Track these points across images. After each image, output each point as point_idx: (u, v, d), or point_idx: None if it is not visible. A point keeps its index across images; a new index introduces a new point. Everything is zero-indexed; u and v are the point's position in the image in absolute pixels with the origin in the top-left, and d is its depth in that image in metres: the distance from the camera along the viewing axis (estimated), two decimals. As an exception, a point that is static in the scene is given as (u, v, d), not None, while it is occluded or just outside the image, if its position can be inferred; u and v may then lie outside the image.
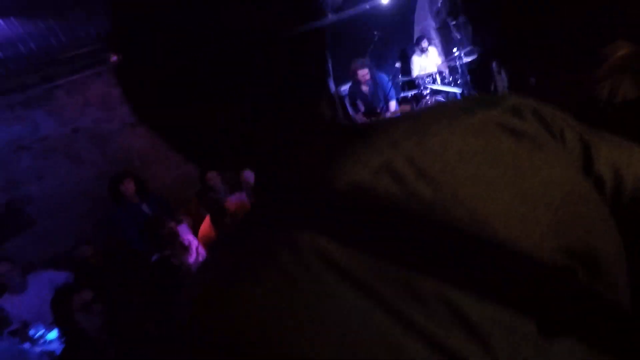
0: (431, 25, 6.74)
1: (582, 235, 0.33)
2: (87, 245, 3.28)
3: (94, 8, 2.19)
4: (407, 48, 6.82)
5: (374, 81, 5.03)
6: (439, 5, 6.39)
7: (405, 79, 6.11)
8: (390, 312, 0.30)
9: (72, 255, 3.27)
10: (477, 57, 5.84)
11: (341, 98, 6.08)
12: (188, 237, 3.61)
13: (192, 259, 3.45)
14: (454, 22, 5.89)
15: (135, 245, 3.52)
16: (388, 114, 5.05)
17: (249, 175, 4.79)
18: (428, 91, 5.84)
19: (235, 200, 4.08)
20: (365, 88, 5.09)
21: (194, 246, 3.55)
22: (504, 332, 0.30)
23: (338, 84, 6.01)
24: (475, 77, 5.91)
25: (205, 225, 3.58)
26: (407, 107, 5.23)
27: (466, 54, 5.59)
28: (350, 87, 5.35)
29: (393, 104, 5.06)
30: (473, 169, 0.32)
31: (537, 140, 0.34)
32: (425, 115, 0.41)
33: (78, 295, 2.43)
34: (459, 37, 5.89)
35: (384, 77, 5.12)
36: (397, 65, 6.27)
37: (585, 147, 0.36)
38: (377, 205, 0.33)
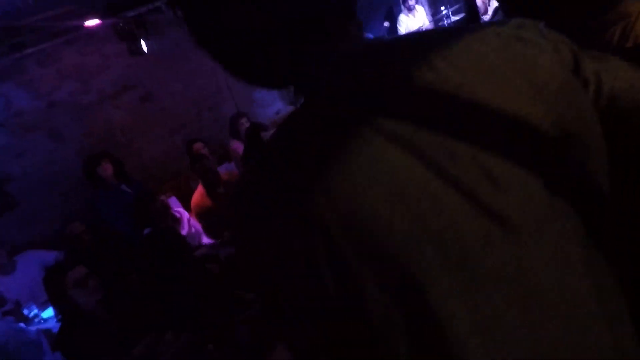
0: (417, -18, 6.49)
1: (575, 119, 0.41)
2: (78, 222, 3.19)
3: None
4: (393, 7, 6.60)
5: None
6: (425, -40, 6.14)
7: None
8: (431, 167, 0.39)
9: (63, 233, 3.18)
10: (466, 15, 5.70)
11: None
12: (179, 209, 3.56)
13: (184, 230, 3.41)
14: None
15: (119, 227, 3.43)
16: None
17: (237, 146, 4.68)
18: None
19: (224, 171, 4.01)
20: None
21: (185, 218, 3.50)
22: (519, 185, 0.39)
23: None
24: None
25: (198, 195, 3.51)
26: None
27: (454, 12, 5.45)
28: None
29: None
30: (491, 61, 0.41)
31: (539, 46, 0.42)
32: (448, 31, 0.51)
33: (72, 272, 2.38)
34: (446, -7, 5.70)
35: (371, 37, 4.96)
36: (386, 24, 6.09)
37: (575, 56, 0.44)
38: (417, 88, 0.41)
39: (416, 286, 0.39)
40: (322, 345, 0.45)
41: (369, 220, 0.40)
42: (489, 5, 4.69)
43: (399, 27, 6.13)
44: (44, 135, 3.62)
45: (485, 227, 0.39)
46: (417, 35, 0.50)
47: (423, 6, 6.24)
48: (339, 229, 0.40)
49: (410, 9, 5.96)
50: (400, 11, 6.30)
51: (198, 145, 4.22)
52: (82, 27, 3.22)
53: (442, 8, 5.43)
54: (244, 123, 4.50)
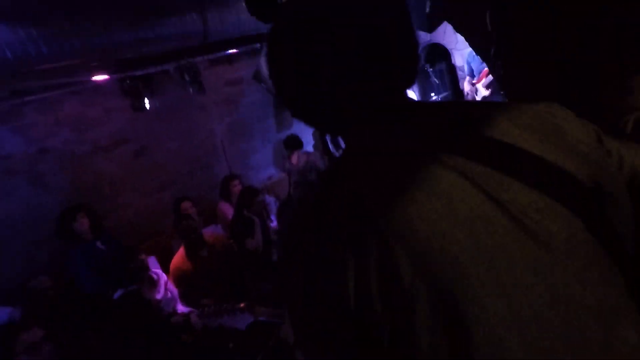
0: (409, 70, 7.03)
1: (605, 176, 0.49)
2: (46, 277, 2.94)
3: (82, 19, 2.08)
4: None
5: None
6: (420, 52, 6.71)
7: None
8: (483, 191, 0.46)
9: (26, 287, 2.91)
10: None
11: (323, 135, 6.13)
12: (157, 270, 3.34)
13: (160, 295, 3.16)
14: (431, 69, 6.19)
15: (89, 288, 3.17)
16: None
17: (225, 208, 4.59)
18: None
19: (210, 232, 3.87)
20: (347, 125, 5.16)
21: (163, 281, 3.27)
22: (560, 219, 0.46)
23: (319, 120, 6.07)
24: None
25: (179, 256, 3.33)
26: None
27: (443, 99, 5.84)
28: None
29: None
30: (529, 122, 0.51)
31: (567, 118, 0.52)
32: (494, 107, 0.57)
33: (26, 334, 2.13)
34: (437, 82, 6.15)
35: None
36: None
37: (597, 131, 0.53)
38: (475, 134, 0.51)
39: (466, 299, 0.42)
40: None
41: (425, 234, 0.44)
42: (476, 95, 5.05)
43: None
44: (26, 181, 3.49)
45: (533, 251, 0.44)
46: (463, 102, 0.69)
47: (414, 92, 6.69)
48: (396, 241, 0.44)
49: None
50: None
51: (186, 205, 4.12)
52: (89, 80, 3.29)
53: (432, 94, 5.82)
54: (236, 185, 4.48)
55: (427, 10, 3.01)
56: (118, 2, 2.30)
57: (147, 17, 2.33)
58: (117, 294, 2.85)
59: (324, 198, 0.52)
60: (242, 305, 2.05)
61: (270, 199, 4.66)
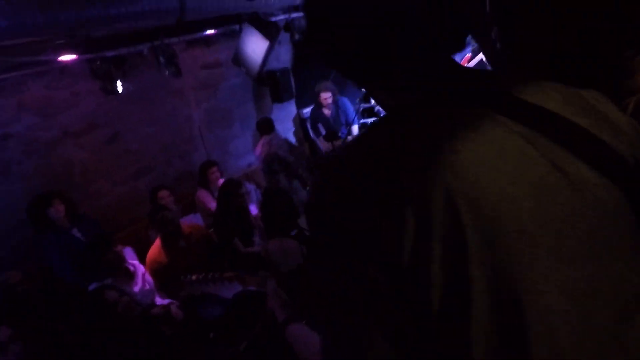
0: (391, 56, 6.99)
1: None
2: (14, 271, 2.76)
3: None
4: (367, 76, 7.00)
5: (336, 105, 5.02)
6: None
7: (366, 106, 6.21)
8: (549, 160, 0.45)
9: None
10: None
11: (303, 120, 6.02)
12: (133, 262, 3.21)
13: (137, 287, 3.04)
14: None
15: (66, 276, 3.03)
16: (350, 139, 5.04)
17: (204, 196, 4.46)
18: (388, 119, 5.98)
19: (189, 222, 3.75)
20: (327, 111, 5.06)
21: (140, 273, 3.15)
22: (609, 191, 0.47)
23: (301, 106, 5.95)
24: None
25: (155, 248, 3.21)
26: (370, 133, 5.25)
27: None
28: (312, 110, 5.30)
29: (356, 129, 5.06)
30: (588, 116, 0.51)
31: (608, 106, 0.54)
32: (543, 83, 0.56)
33: (-8, 333, 2.00)
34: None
35: (347, 102, 5.14)
36: (363, 90, 6.38)
37: (632, 122, 0.55)
38: (531, 101, 0.50)
39: (531, 270, 0.41)
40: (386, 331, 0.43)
41: (495, 197, 0.42)
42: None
43: (372, 94, 6.46)
44: (-12, 169, 3.26)
45: (594, 221, 0.44)
46: (508, 73, 0.65)
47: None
48: (464, 202, 0.41)
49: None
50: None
51: (163, 193, 3.97)
52: (55, 60, 3.06)
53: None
54: (214, 172, 4.35)
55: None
56: (85, -26, 2.11)
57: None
58: (92, 286, 2.72)
59: (372, 152, 0.47)
60: (230, 274, 1.98)
61: (250, 187, 4.54)
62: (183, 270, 3.14)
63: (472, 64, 4.82)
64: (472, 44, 4.90)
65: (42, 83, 3.38)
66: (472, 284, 0.39)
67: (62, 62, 3.07)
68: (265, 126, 4.70)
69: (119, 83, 3.37)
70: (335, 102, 4.99)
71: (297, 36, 4.94)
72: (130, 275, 3.00)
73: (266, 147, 4.63)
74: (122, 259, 2.94)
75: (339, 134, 5.09)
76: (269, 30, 3.91)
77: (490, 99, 0.50)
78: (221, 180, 4.55)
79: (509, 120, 0.46)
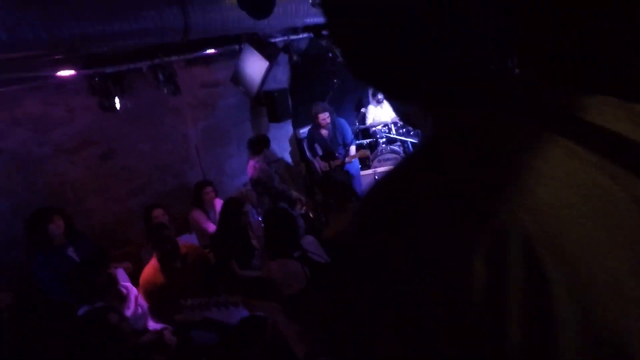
0: (386, 79, 7.09)
1: None
2: (4, 294, 2.62)
3: (50, 5, 1.86)
4: (362, 98, 7.07)
5: (334, 125, 5.03)
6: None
7: (362, 127, 6.26)
8: (618, 183, 0.41)
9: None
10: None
11: (299, 141, 6.02)
12: (126, 284, 3.08)
13: (129, 311, 2.90)
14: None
15: (55, 297, 2.89)
16: (347, 159, 5.03)
17: (198, 216, 4.35)
18: (384, 140, 6.02)
19: (182, 243, 3.64)
20: (324, 132, 5.07)
21: (133, 295, 3.01)
22: None
23: (297, 126, 5.96)
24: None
25: (150, 268, 3.09)
26: (366, 152, 5.26)
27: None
28: (309, 130, 5.30)
29: (353, 149, 5.07)
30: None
31: None
32: (600, 99, 0.51)
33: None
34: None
35: (344, 123, 5.16)
36: (363, 110, 6.44)
37: None
38: (588, 122, 0.45)
39: (624, 319, 0.36)
40: None
41: (580, 245, 0.38)
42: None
43: (367, 115, 6.52)
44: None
45: None
46: (559, 91, 0.55)
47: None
48: (544, 247, 0.36)
49: (379, 101, 6.42)
50: (368, 102, 6.76)
51: (158, 212, 3.87)
52: (53, 75, 3.02)
53: (410, 103, 5.86)
54: (209, 192, 4.27)
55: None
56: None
57: (123, 7, 2.14)
58: (82, 310, 2.58)
59: (425, 188, 0.42)
60: (237, 298, 1.88)
61: (247, 207, 4.47)
62: (179, 292, 3.04)
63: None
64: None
65: (37, 98, 3.32)
66: (559, 347, 0.35)
67: (59, 77, 3.02)
68: (255, 146, 4.52)
69: (117, 100, 3.32)
70: (332, 122, 5.00)
71: (295, 57, 5.00)
72: (123, 298, 2.87)
73: (254, 168, 4.52)
74: (115, 281, 2.82)
75: (336, 155, 5.09)
76: (268, 51, 3.94)
77: (550, 118, 0.45)
78: (217, 200, 4.47)
79: (579, 146, 0.41)
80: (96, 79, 3.25)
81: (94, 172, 3.84)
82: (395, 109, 0.60)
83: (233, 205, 3.41)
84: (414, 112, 0.55)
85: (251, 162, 4.50)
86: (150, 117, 4.26)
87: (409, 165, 0.48)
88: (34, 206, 3.16)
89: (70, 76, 3.00)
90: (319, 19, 3.95)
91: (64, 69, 2.94)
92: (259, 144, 4.36)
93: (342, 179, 2.97)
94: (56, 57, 2.68)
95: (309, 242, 2.55)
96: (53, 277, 2.91)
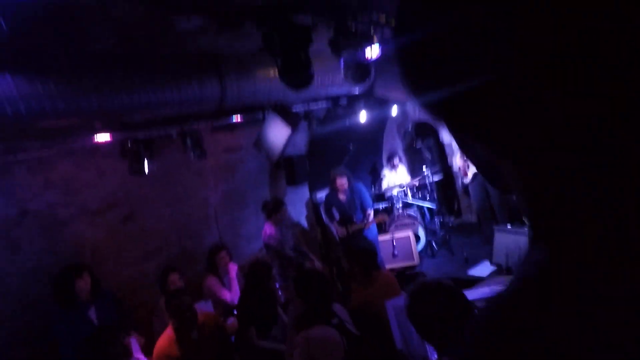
0: (399, 145, 7.29)
1: None
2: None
3: (106, 79, 1.99)
4: (377, 162, 7.21)
5: (352, 190, 5.06)
6: (408, 128, 7.03)
7: (378, 192, 6.30)
8: None
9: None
10: (443, 177, 6.28)
11: (315, 205, 6.03)
12: (139, 356, 2.90)
13: (141, 385, 2.70)
14: (419, 146, 6.43)
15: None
16: (366, 224, 4.98)
17: (212, 283, 4.19)
18: (400, 204, 6.01)
19: (199, 310, 3.48)
20: (342, 196, 5.08)
21: (146, 368, 2.82)
22: None
23: (313, 190, 6.01)
24: (441, 194, 6.25)
25: (165, 339, 2.92)
26: (384, 217, 5.22)
27: (433, 173, 5.99)
28: (327, 195, 5.33)
29: (371, 213, 5.04)
30: None
31: None
32: None
33: None
34: (429, 157, 6.34)
35: (362, 187, 5.19)
36: (383, 175, 6.52)
37: None
38: None
39: None
40: None
41: None
42: (468, 169, 5.19)
43: (382, 179, 6.59)
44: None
45: None
46: None
47: (404, 165, 6.87)
48: None
49: (394, 166, 6.53)
50: (382, 167, 6.88)
51: (174, 277, 3.77)
52: (88, 140, 3.14)
53: (424, 167, 5.95)
54: (224, 257, 4.17)
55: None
56: (136, 61, 2.26)
57: (166, 79, 2.29)
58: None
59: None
60: None
61: (274, 271, 4.36)
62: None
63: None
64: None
65: (71, 161, 3.43)
66: None
67: (94, 142, 3.14)
68: (268, 210, 4.43)
69: (145, 163, 3.41)
70: (351, 187, 5.04)
71: (314, 125, 5.20)
72: (135, 371, 2.69)
73: (265, 233, 4.43)
74: (129, 353, 2.67)
75: (354, 219, 5.06)
76: (291, 118, 4.11)
77: None
78: (231, 265, 4.36)
79: None
80: (129, 144, 3.37)
81: (113, 234, 3.83)
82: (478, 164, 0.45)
83: (262, 269, 3.31)
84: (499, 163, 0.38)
85: (265, 226, 4.47)
86: (173, 180, 4.34)
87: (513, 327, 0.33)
88: (54, 267, 3.10)
89: (105, 141, 3.13)
90: (340, 90, 4.16)
91: (99, 134, 3.06)
92: (271, 208, 4.36)
93: (365, 246, 2.89)
94: (95, 125, 2.81)
95: (339, 309, 2.40)
96: (71, 339, 2.80)
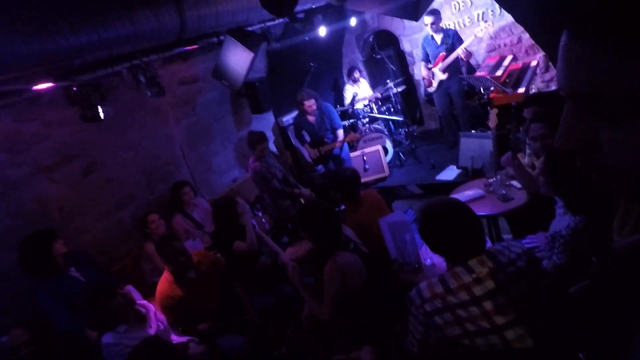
0: (358, 58, 7.04)
1: None
2: (19, 329, 2.41)
3: (46, 20, 1.63)
4: (338, 78, 6.99)
5: (321, 111, 4.96)
6: (368, 38, 6.72)
7: (341, 109, 6.21)
8: None
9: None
10: (406, 88, 6.25)
11: (282, 129, 5.89)
12: (142, 302, 2.94)
13: (152, 330, 2.79)
14: (379, 56, 6.24)
15: (70, 329, 2.72)
16: (338, 144, 4.99)
17: (179, 222, 4.10)
18: (366, 119, 6.02)
19: (189, 249, 3.51)
20: (311, 118, 4.99)
21: (152, 313, 2.89)
22: None
23: (279, 115, 5.82)
24: (404, 105, 6.29)
25: (165, 282, 2.96)
26: (356, 136, 5.24)
27: (396, 85, 5.94)
28: (295, 118, 5.19)
29: (341, 132, 5.03)
30: None
31: None
32: None
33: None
34: (393, 68, 6.21)
35: (330, 107, 5.09)
36: (345, 90, 6.36)
37: None
38: None
39: None
40: None
41: None
42: (433, 79, 5.19)
43: (345, 94, 6.48)
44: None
45: None
46: None
47: (365, 79, 6.73)
48: None
49: (355, 80, 6.38)
50: (344, 82, 6.69)
51: (153, 217, 3.70)
52: (26, 90, 2.73)
53: (388, 81, 5.87)
54: (188, 192, 4.08)
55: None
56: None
57: (119, 11, 1.94)
58: (106, 338, 2.45)
59: None
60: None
61: (240, 202, 4.35)
62: (198, 302, 2.95)
63: (447, 62, 4.97)
64: (446, 43, 5.03)
65: (9, 116, 3.00)
66: None
67: (32, 91, 2.73)
68: (249, 143, 4.24)
69: (100, 109, 3.06)
70: (319, 108, 4.92)
71: (273, 44, 4.82)
72: (143, 318, 2.75)
73: (249, 167, 4.33)
74: (132, 301, 2.69)
75: (325, 140, 5.04)
76: (252, 41, 3.76)
77: None
78: (200, 200, 4.29)
79: None
80: (74, 89, 2.97)
81: (77, 188, 3.57)
82: None
83: (225, 208, 3.32)
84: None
85: (249, 160, 4.36)
86: (130, 122, 3.99)
87: None
88: (20, 233, 2.91)
89: (48, 89, 2.72)
90: (304, 4, 3.79)
91: (39, 82, 2.65)
92: (251, 141, 4.21)
93: (348, 176, 2.88)
94: (31, 72, 2.41)
95: (347, 231, 2.48)
96: (62, 306, 2.72)
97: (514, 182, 2.93)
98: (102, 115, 3.07)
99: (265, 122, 5.65)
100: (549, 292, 1.42)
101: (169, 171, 4.42)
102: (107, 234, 3.84)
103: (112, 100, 3.53)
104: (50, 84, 2.65)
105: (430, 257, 2.46)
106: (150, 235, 3.67)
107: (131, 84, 3.47)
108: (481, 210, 2.78)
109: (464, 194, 3.01)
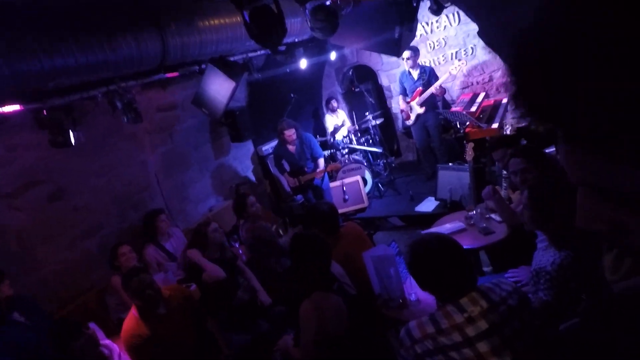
0: (338, 90, 7.18)
1: None
2: None
3: (19, 42, 1.54)
4: (318, 109, 7.08)
5: (301, 140, 4.95)
6: (347, 72, 6.90)
7: (322, 139, 6.25)
8: None
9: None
10: (383, 119, 6.39)
11: (261, 158, 5.83)
12: (105, 342, 2.70)
13: (115, 372, 2.55)
14: (357, 89, 6.39)
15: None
16: (318, 174, 4.97)
17: (152, 253, 3.85)
18: (346, 150, 6.06)
19: (161, 283, 3.30)
20: (292, 148, 4.97)
21: (116, 355, 2.66)
22: None
23: (258, 144, 5.78)
24: (384, 137, 6.40)
25: (131, 320, 2.74)
26: (337, 166, 5.24)
27: (375, 117, 6.06)
28: (275, 148, 5.15)
29: (322, 162, 5.02)
30: None
31: None
32: None
33: None
34: (372, 101, 6.36)
35: (311, 137, 5.10)
36: (337, 125, 6.40)
37: None
38: None
39: None
40: None
41: None
42: (411, 112, 5.32)
43: (325, 124, 6.57)
44: None
45: None
46: None
47: (343, 110, 6.86)
48: None
49: (333, 110, 6.51)
50: (324, 113, 6.80)
51: (124, 249, 3.47)
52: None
53: (367, 113, 5.99)
54: (164, 220, 3.90)
55: (396, 36, 3.05)
56: (56, 17, 1.81)
57: (96, 36, 1.88)
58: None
59: None
60: None
61: (213, 224, 4.09)
62: (168, 342, 2.74)
63: (424, 97, 5.13)
64: (423, 78, 5.21)
65: (-30, 139, 2.82)
66: None
67: (2, 114, 2.58)
68: (236, 208, 3.79)
69: (71, 134, 2.93)
70: (299, 137, 4.92)
71: (254, 74, 4.84)
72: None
73: (245, 232, 3.81)
74: (96, 342, 2.46)
75: (305, 169, 5.01)
76: (234, 71, 3.75)
77: None
78: (175, 229, 4.09)
79: None
80: (44, 113, 2.83)
81: (40, 216, 3.35)
82: None
83: (201, 240, 3.22)
84: None
85: (241, 229, 3.87)
86: (102, 147, 3.84)
87: None
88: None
89: (15, 112, 2.58)
90: (288, 37, 3.85)
91: (4, 104, 2.51)
92: (236, 208, 3.77)
93: (324, 209, 2.78)
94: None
95: (335, 267, 2.36)
96: (7, 353, 2.44)
97: (494, 215, 2.95)
98: (73, 141, 2.93)
99: (244, 151, 5.59)
100: (541, 330, 1.38)
101: (141, 199, 4.24)
102: (70, 265, 3.58)
103: (85, 124, 3.40)
104: (17, 107, 2.52)
105: (414, 293, 2.40)
106: (119, 268, 3.45)
107: (106, 108, 3.36)
108: (463, 243, 2.76)
109: (445, 227, 3.01)
